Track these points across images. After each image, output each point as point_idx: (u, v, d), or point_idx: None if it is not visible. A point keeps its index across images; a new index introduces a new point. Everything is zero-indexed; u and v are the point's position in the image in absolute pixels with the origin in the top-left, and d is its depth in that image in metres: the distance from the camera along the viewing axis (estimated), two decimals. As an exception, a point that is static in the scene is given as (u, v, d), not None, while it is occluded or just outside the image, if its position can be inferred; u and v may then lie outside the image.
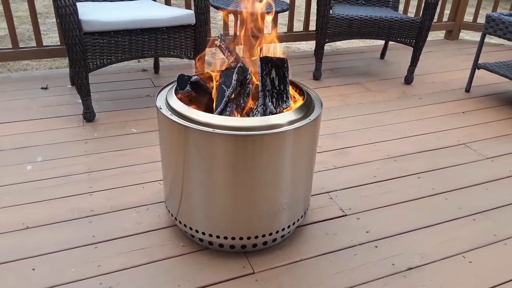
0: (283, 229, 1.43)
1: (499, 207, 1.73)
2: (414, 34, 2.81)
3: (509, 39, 2.49)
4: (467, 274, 1.39)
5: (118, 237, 1.48)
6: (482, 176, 1.94)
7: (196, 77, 1.43)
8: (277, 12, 2.78)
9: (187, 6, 3.14)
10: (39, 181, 1.76)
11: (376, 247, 1.49)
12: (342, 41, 3.38)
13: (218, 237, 1.38)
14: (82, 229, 1.51)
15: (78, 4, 2.32)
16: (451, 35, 4.12)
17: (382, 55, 3.52)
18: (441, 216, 1.66)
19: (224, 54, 1.49)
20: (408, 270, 1.40)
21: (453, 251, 1.49)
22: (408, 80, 2.99)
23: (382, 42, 3.64)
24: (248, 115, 1.39)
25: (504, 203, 1.76)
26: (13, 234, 1.48)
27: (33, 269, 1.34)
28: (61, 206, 1.62)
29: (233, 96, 1.36)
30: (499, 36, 2.56)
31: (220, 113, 1.35)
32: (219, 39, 1.46)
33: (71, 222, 1.54)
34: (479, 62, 2.80)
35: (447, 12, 4.03)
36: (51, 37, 4.16)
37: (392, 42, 3.61)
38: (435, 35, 4.39)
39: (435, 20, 3.89)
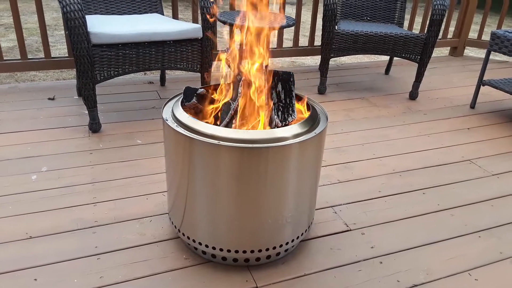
0: (287, 243, 1.42)
1: (504, 224, 1.72)
2: (419, 50, 2.83)
3: (514, 56, 2.50)
4: (473, 292, 1.37)
5: (121, 248, 1.47)
6: (487, 193, 1.92)
7: (202, 89, 1.44)
8: (283, 27, 2.81)
9: (194, 20, 3.17)
10: (43, 191, 1.76)
11: (380, 263, 1.48)
12: (347, 56, 3.40)
13: (221, 250, 1.38)
14: (85, 240, 1.51)
15: (87, 17, 2.36)
16: (456, 51, 4.13)
17: (387, 71, 3.53)
18: (446, 232, 1.65)
19: (230, 68, 1.50)
20: (413, 287, 1.38)
21: (458, 268, 1.47)
22: (413, 95, 2.99)
23: (387, 57, 3.66)
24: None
25: (510, 220, 1.74)
26: (16, 243, 1.48)
27: (35, 279, 1.33)
28: (65, 216, 1.62)
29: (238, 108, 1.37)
30: (504, 53, 2.57)
31: (226, 126, 1.36)
32: (225, 53, 1.48)
33: (74, 232, 1.54)
34: (484, 78, 2.80)
35: (452, 29, 4.06)
36: (59, 48, 4.21)
37: (397, 58, 3.63)
38: (439, 52, 4.40)
39: (440, 36, 3.91)
